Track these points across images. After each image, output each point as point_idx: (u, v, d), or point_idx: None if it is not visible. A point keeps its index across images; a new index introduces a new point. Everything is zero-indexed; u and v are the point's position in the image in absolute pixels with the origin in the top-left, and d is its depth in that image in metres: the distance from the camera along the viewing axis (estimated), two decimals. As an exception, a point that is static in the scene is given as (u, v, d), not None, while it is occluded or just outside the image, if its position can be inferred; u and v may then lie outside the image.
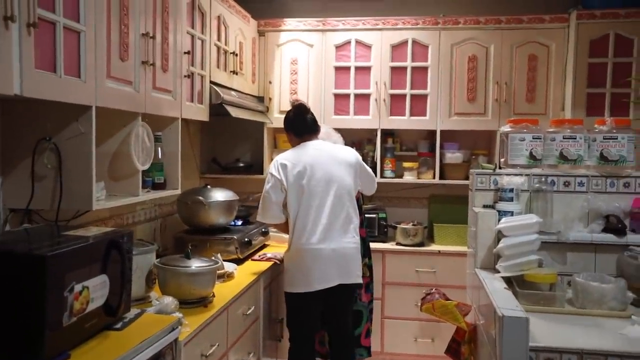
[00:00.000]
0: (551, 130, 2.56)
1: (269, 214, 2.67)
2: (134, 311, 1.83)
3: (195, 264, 2.22)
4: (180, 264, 2.21)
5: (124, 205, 2.34)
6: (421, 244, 3.72)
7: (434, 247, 3.71)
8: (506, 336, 1.77)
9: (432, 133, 3.83)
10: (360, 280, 2.74)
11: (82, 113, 1.80)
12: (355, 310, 2.93)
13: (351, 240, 2.66)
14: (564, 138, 2.49)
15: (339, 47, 3.82)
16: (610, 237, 2.38)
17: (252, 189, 3.81)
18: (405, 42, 3.74)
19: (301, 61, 3.86)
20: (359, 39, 3.79)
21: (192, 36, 2.69)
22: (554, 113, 3.60)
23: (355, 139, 3.96)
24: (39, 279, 1.37)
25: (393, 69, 3.77)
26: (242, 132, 4.09)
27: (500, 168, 2.62)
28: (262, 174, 3.78)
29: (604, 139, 2.45)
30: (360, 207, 2.91)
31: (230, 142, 4.13)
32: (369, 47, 3.78)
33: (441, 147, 3.80)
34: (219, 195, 2.96)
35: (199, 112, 2.80)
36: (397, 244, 3.73)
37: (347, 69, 3.81)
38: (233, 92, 3.25)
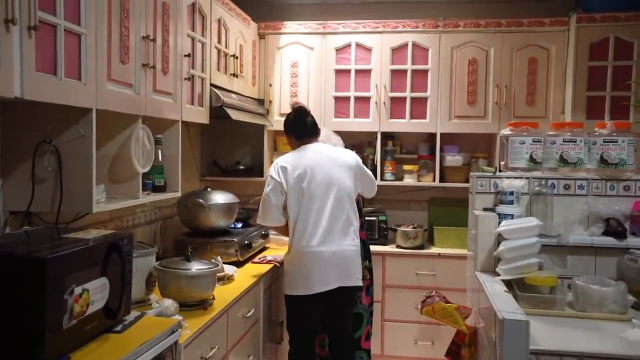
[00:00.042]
0: (551, 133, 2.56)
1: (269, 217, 2.67)
2: (134, 314, 1.83)
3: (196, 267, 2.22)
4: (181, 266, 2.21)
5: (124, 208, 2.34)
6: (421, 247, 3.72)
7: (434, 250, 3.71)
8: (506, 339, 1.76)
9: (432, 136, 3.83)
10: (360, 283, 2.74)
11: (83, 115, 1.81)
12: (355, 313, 2.92)
13: (351, 242, 2.66)
14: (564, 141, 2.49)
15: (339, 50, 3.83)
16: (610, 240, 2.38)
17: (252, 192, 3.81)
18: (405, 45, 3.75)
19: (301, 64, 3.86)
20: (359, 42, 3.79)
21: (193, 39, 2.69)
22: (554, 116, 3.60)
23: (355, 141, 3.96)
24: (39, 282, 1.37)
25: (393, 71, 3.77)
26: (242, 135, 4.09)
27: (500, 171, 2.62)
28: (262, 176, 3.78)
29: (604, 142, 2.46)
30: (360, 210, 2.91)
31: (230, 144, 4.14)
32: (369, 50, 3.79)
33: (441, 149, 3.80)
34: (219, 197, 2.96)
35: (199, 115, 2.81)
36: (397, 246, 3.73)
37: (348, 71, 3.82)
38: (233, 95, 3.25)
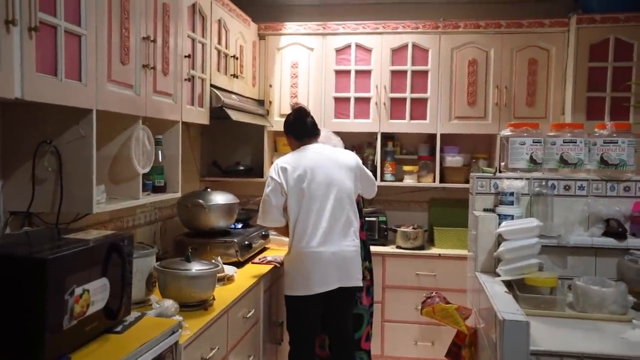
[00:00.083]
0: (551, 134, 2.56)
1: (269, 218, 2.67)
2: (134, 314, 1.83)
3: (196, 267, 2.22)
4: (181, 267, 2.21)
5: (124, 209, 2.34)
6: (421, 248, 3.72)
7: (434, 251, 3.71)
8: (507, 340, 1.76)
9: (432, 137, 3.83)
10: (360, 284, 2.74)
11: (83, 116, 1.81)
12: (355, 313, 2.92)
13: (351, 243, 2.66)
14: (564, 142, 2.49)
15: (339, 51, 3.83)
16: (610, 241, 2.38)
17: (252, 192, 3.82)
18: (405, 46, 3.75)
19: (301, 65, 3.87)
20: (359, 43, 3.80)
21: (193, 40, 2.69)
22: (554, 117, 3.60)
23: (355, 142, 3.96)
24: (39, 282, 1.37)
25: (393, 72, 3.77)
26: (242, 136, 4.10)
27: (500, 172, 2.62)
28: (262, 177, 3.78)
29: (604, 143, 2.46)
30: (360, 211, 2.91)
31: (230, 145, 4.14)
32: (369, 50, 3.79)
33: (441, 150, 3.80)
34: (219, 198, 2.96)
35: (200, 116, 2.81)
36: (398, 247, 3.73)
37: (348, 72, 3.82)
38: (233, 96, 3.25)
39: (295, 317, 2.70)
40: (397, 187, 3.98)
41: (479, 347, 2.36)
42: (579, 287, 2.16)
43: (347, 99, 3.82)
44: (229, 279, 2.56)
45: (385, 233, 3.78)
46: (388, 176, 3.87)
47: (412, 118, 3.76)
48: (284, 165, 2.66)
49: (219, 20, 3.08)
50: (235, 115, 3.09)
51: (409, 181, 3.89)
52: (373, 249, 3.27)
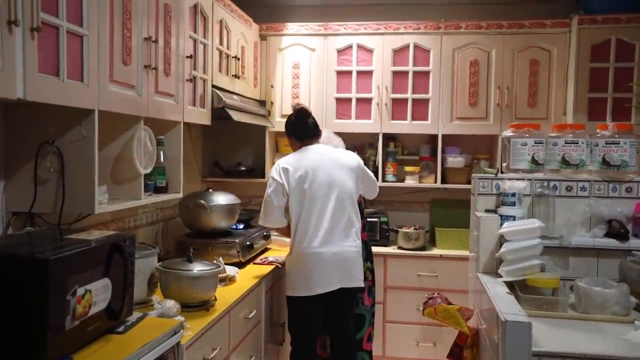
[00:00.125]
0: (553, 135, 2.56)
1: (270, 218, 2.67)
2: (136, 315, 1.83)
3: (197, 268, 2.22)
4: (182, 267, 2.21)
5: (126, 209, 2.34)
6: (423, 248, 3.72)
7: (435, 251, 3.71)
8: (509, 341, 1.76)
9: (433, 137, 3.83)
10: (361, 284, 2.74)
11: (85, 117, 1.81)
12: (357, 314, 2.92)
13: (352, 244, 2.66)
14: (566, 143, 2.49)
15: (340, 52, 3.83)
16: (612, 242, 2.38)
17: (253, 193, 3.82)
18: (407, 47, 3.75)
19: (303, 65, 3.87)
20: (360, 44, 3.80)
21: (195, 40, 2.69)
22: (555, 118, 3.60)
23: (356, 143, 3.97)
24: (41, 283, 1.37)
25: (395, 73, 3.77)
26: (243, 136, 4.10)
27: (502, 172, 2.62)
28: (263, 177, 3.78)
29: (606, 143, 2.46)
30: (362, 211, 2.91)
31: (232, 145, 4.14)
32: (370, 51, 3.79)
33: (443, 151, 3.80)
34: (221, 198, 2.96)
35: (201, 116, 2.81)
36: (399, 248, 3.73)
37: (349, 73, 3.82)
38: (235, 96, 3.26)
39: (297, 318, 2.70)
40: (399, 188, 3.98)
41: (480, 348, 2.36)
42: (581, 288, 2.16)
43: (349, 100, 3.82)
44: (230, 280, 2.56)
45: (387, 234, 3.78)
46: (389, 177, 3.87)
47: (413, 119, 3.76)
48: (285, 166, 2.66)
49: (221, 21, 3.09)
50: (236, 116, 3.09)
51: (410, 182, 3.89)
52: (374, 249, 3.27)
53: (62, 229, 1.93)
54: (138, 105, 2.09)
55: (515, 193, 2.46)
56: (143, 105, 2.13)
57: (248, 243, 2.99)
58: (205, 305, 2.19)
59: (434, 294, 2.68)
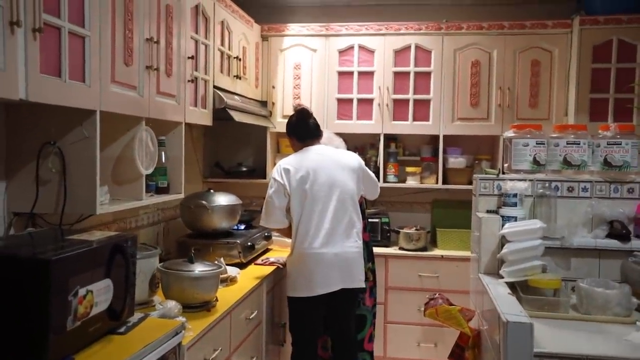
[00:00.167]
0: (555, 135, 2.56)
1: (272, 219, 2.67)
2: (137, 315, 1.83)
3: (199, 268, 2.22)
4: (184, 268, 2.21)
5: (127, 210, 2.35)
6: (424, 249, 3.71)
7: (436, 252, 3.71)
8: (511, 342, 1.76)
9: (435, 138, 3.82)
10: (362, 285, 2.74)
11: (87, 117, 1.81)
12: (358, 314, 2.92)
13: (354, 244, 2.66)
14: (567, 143, 2.49)
15: (342, 52, 3.83)
16: (614, 243, 2.37)
17: (255, 193, 3.82)
18: (408, 47, 3.75)
19: (304, 66, 3.87)
20: (362, 44, 3.80)
21: (196, 41, 2.69)
22: (557, 118, 3.60)
23: (358, 143, 3.96)
24: (43, 283, 1.37)
25: (396, 74, 3.77)
26: (245, 137, 4.10)
27: (503, 173, 2.61)
28: (264, 178, 3.79)
29: (607, 144, 2.46)
30: (363, 212, 2.91)
31: (233, 146, 4.14)
32: (372, 52, 3.79)
33: (444, 152, 3.80)
34: (222, 199, 2.96)
35: (203, 117, 2.81)
36: (400, 248, 3.73)
37: (350, 73, 3.82)
38: (236, 97, 3.26)
39: (298, 319, 2.70)
40: (400, 189, 3.98)
41: (482, 348, 2.36)
42: (582, 289, 2.16)
43: (350, 100, 3.82)
44: (231, 280, 2.56)
45: (388, 234, 3.77)
46: (391, 177, 3.87)
47: (414, 119, 3.76)
48: (286, 167, 2.66)
49: (222, 22, 3.09)
50: (238, 117, 3.09)
51: (411, 182, 3.89)
52: (375, 250, 3.27)
53: (63, 229, 1.93)
54: (139, 106, 2.09)
55: (516, 194, 2.46)
56: (144, 105, 2.13)
57: (249, 244, 3.00)
58: (206, 306, 2.19)
59: (436, 294, 2.68)
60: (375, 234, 3.71)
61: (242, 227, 3.30)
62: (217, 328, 2.12)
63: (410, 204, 4.12)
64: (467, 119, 3.71)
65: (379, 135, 3.82)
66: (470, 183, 3.10)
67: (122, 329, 1.71)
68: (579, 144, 2.48)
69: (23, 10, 1.42)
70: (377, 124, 3.79)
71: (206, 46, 2.83)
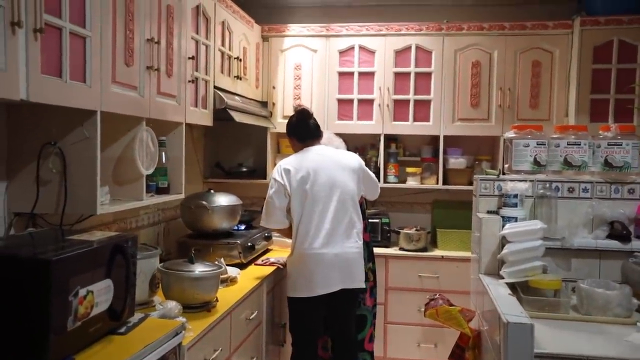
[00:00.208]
0: (555, 136, 2.56)
1: (272, 219, 2.67)
2: (137, 315, 1.83)
3: (199, 269, 2.22)
4: (184, 268, 2.21)
5: (127, 210, 2.34)
6: (424, 249, 3.71)
7: (437, 253, 3.70)
8: (511, 342, 1.76)
9: (435, 138, 3.82)
10: (363, 285, 2.74)
11: (87, 118, 1.81)
12: (359, 314, 2.92)
13: (354, 245, 2.66)
14: (568, 144, 2.49)
15: (342, 53, 3.83)
16: (614, 244, 2.37)
17: (255, 194, 3.82)
18: (408, 48, 3.75)
19: (305, 66, 3.87)
20: (362, 45, 3.80)
21: (197, 41, 2.69)
22: (557, 119, 3.59)
23: (358, 144, 3.97)
24: (43, 283, 1.37)
25: (396, 74, 3.77)
26: (245, 137, 4.10)
27: (504, 174, 2.61)
28: (265, 178, 3.79)
29: (608, 145, 2.46)
30: (363, 212, 2.91)
31: (233, 146, 4.14)
32: (372, 52, 3.79)
33: (444, 152, 3.80)
34: (223, 199, 2.96)
35: (203, 117, 2.81)
36: (400, 249, 3.73)
37: (351, 74, 3.82)
38: (237, 97, 3.26)
39: (298, 319, 2.70)
40: (400, 189, 3.98)
41: (482, 349, 2.36)
42: (583, 289, 2.16)
43: (351, 101, 3.82)
44: (232, 281, 2.56)
45: (388, 235, 3.77)
46: (391, 178, 3.87)
47: (415, 120, 3.76)
48: (287, 167, 2.66)
49: (223, 22, 3.09)
50: (238, 117, 3.09)
51: (412, 183, 3.89)
52: (376, 250, 3.27)
53: (64, 229, 1.93)
54: (140, 106, 2.09)
55: (517, 194, 2.46)
56: (145, 106, 2.13)
57: (249, 244, 3.00)
58: (206, 306, 2.19)
59: (436, 295, 2.68)
60: (376, 234, 3.71)
61: (243, 227, 3.30)
62: (217, 328, 2.12)
63: (410, 204, 4.12)
64: (468, 120, 3.71)
65: (379, 135, 3.82)
66: (471, 183, 3.11)
67: (122, 329, 1.71)
68: (579, 144, 2.48)
69: (24, 10, 1.42)
70: (378, 124, 3.79)
71: (207, 46, 2.84)
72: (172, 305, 2.02)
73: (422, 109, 3.75)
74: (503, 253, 2.32)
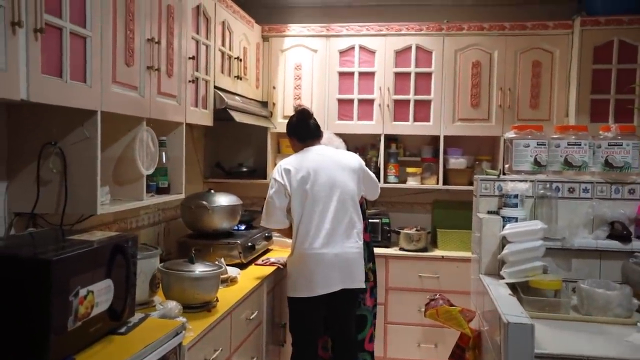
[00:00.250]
0: (556, 136, 2.56)
1: (272, 219, 2.67)
2: (138, 315, 1.83)
3: (199, 269, 2.22)
4: (184, 268, 2.21)
5: (128, 210, 2.34)
6: (424, 250, 3.71)
7: (437, 253, 3.70)
8: (511, 343, 1.76)
9: (435, 138, 3.82)
10: (363, 285, 2.74)
11: (88, 118, 1.81)
12: (359, 314, 2.92)
13: (354, 245, 2.66)
14: (568, 144, 2.49)
15: (342, 53, 3.83)
16: (615, 244, 2.37)
17: (255, 194, 3.82)
18: (409, 48, 3.75)
19: (305, 66, 3.87)
20: (362, 45, 3.79)
21: (197, 41, 2.69)
22: (557, 119, 3.59)
23: (358, 144, 3.96)
24: (44, 283, 1.37)
25: (397, 74, 3.77)
26: (245, 137, 4.10)
27: (504, 174, 2.61)
28: (265, 178, 3.79)
29: (608, 145, 2.46)
30: (363, 212, 2.91)
31: (233, 146, 4.14)
32: (372, 52, 3.79)
33: (445, 152, 3.80)
34: (223, 199, 2.96)
35: (203, 117, 2.81)
36: (401, 249, 3.72)
37: (351, 74, 3.82)
38: (237, 97, 3.26)
39: (298, 319, 2.70)
40: (401, 189, 3.98)
41: (482, 349, 2.35)
42: (583, 289, 2.16)
43: (351, 101, 3.82)
44: (232, 281, 2.56)
45: (389, 235, 3.77)
46: (391, 178, 3.87)
47: (415, 120, 3.76)
48: (287, 167, 2.66)
49: (223, 22, 3.09)
50: (238, 117, 3.09)
51: (412, 183, 3.88)
52: (376, 250, 3.27)
53: (64, 229, 1.93)
54: (140, 106, 2.09)
55: (517, 194, 2.46)
56: (145, 106, 2.13)
57: (250, 244, 3.00)
58: (207, 306, 2.19)
59: (436, 295, 2.68)
60: (376, 234, 3.71)
61: (243, 227, 3.30)
62: (217, 328, 2.12)
63: (410, 204, 4.11)
64: (468, 120, 3.71)
65: (379, 135, 3.82)
66: (471, 184, 3.11)
67: (122, 329, 1.71)
68: (580, 144, 2.48)
69: (25, 10, 1.42)
70: (378, 124, 3.79)
71: (207, 46, 2.84)
72: (173, 305, 2.02)
73: (422, 109, 3.75)
74: (503, 253, 2.32)
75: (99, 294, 1.56)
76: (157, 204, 2.82)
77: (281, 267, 2.97)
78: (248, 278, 2.69)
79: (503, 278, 2.31)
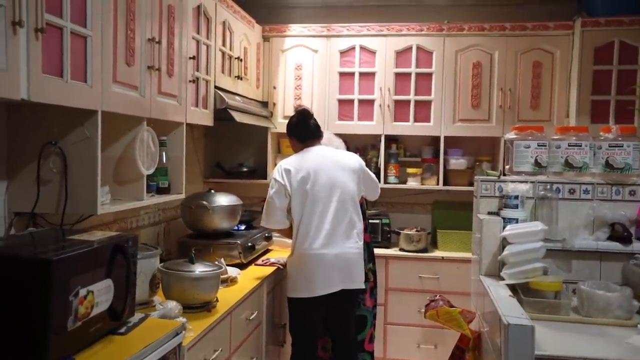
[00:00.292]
0: (556, 137, 2.55)
1: (273, 219, 2.67)
2: (138, 315, 1.83)
3: (199, 269, 2.22)
4: (184, 268, 2.21)
5: (128, 210, 2.35)
6: (424, 250, 3.71)
7: (437, 253, 3.70)
8: (512, 344, 1.76)
9: (436, 139, 3.82)
10: (363, 286, 2.74)
11: (88, 118, 1.81)
12: (359, 315, 2.92)
13: (354, 245, 2.66)
14: (569, 145, 2.49)
15: (343, 53, 3.83)
16: (615, 245, 2.37)
17: (255, 194, 3.82)
18: (409, 48, 3.75)
19: (305, 67, 3.86)
20: (363, 45, 3.79)
21: (198, 41, 2.69)
22: (558, 120, 3.59)
23: (359, 144, 3.96)
24: (44, 283, 1.37)
25: (397, 75, 3.77)
26: (245, 137, 4.10)
27: (504, 175, 2.61)
28: (265, 178, 3.78)
29: (609, 146, 2.45)
30: (364, 213, 2.91)
31: (234, 146, 4.14)
32: (373, 53, 3.79)
33: (445, 153, 3.80)
34: (223, 199, 2.96)
35: (204, 117, 2.81)
36: (401, 249, 3.72)
37: (352, 74, 3.82)
38: (237, 97, 3.25)
39: (298, 319, 2.70)
40: (401, 190, 3.97)
41: (482, 351, 2.35)
42: (583, 291, 2.15)
43: (351, 101, 3.82)
44: (232, 281, 2.56)
45: (389, 235, 3.77)
46: (391, 178, 3.86)
47: (416, 120, 3.76)
48: (287, 167, 2.66)
49: (224, 22, 3.09)
50: (239, 117, 3.09)
51: (412, 184, 3.88)
52: (376, 251, 3.26)
53: (64, 229, 1.93)
54: (141, 106, 2.09)
55: (518, 195, 2.45)
56: (146, 106, 2.13)
57: (250, 244, 2.99)
58: (206, 307, 2.19)
59: (436, 296, 2.68)
60: (376, 235, 3.71)
61: (243, 227, 3.30)
62: (217, 328, 2.12)
63: (410, 205, 4.11)
64: (468, 120, 3.71)
65: (380, 136, 3.82)
66: (471, 184, 3.11)
67: (122, 329, 1.71)
68: (580, 145, 2.48)
69: (25, 10, 1.42)
70: (378, 124, 3.79)
71: (207, 46, 2.83)
72: (172, 305, 2.02)
73: (422, 110, 3.75)
74: (504, 254, 2.32)
75: (99, 294, 1.56)
76: (157, 204, 2.82)
77: (281, 267, 2.97)
78: (248, 278, 2.69)
79: (503, 279, 2.31)
